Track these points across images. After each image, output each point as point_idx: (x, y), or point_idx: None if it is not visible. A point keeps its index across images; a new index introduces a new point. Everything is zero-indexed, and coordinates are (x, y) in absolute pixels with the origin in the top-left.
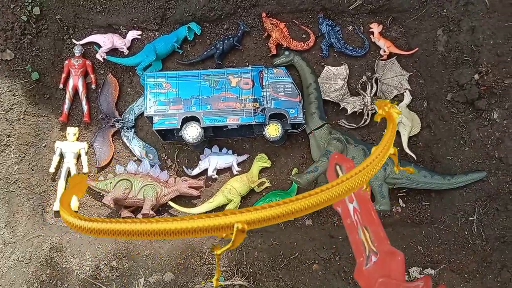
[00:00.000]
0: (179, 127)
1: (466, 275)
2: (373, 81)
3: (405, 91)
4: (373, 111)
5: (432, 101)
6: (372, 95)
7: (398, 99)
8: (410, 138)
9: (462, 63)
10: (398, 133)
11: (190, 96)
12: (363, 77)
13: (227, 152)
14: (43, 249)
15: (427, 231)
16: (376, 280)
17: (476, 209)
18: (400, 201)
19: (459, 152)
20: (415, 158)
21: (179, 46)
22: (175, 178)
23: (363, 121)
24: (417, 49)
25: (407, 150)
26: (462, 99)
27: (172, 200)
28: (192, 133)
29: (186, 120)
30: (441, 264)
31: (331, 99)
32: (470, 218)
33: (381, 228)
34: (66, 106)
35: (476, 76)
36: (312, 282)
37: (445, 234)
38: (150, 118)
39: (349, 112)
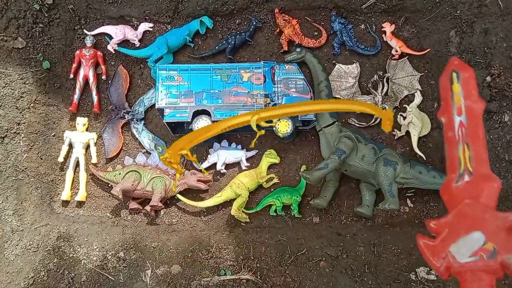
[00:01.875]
0: (189, 120)
1: None
2: (384, 80)
3: (415, 92)
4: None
5: None
6: (383, 94)
7: (408, 99)
8: (420, 138)
9: (474, 65)
10: (408, 133)
11: (201, 89)
12: (374, 76)
13: (236, 147)
14: (50, 238)
15: None
16: (463, 199)
17: None
18: (408, 201)
19: None
20: (425, 159)
21: (190, 40)
22: (184, 171)
23: (373, 120)
24: (429, 49)
25: (417, 150)
26: None
27: (180, 193)
28: (202, 126)
29: (197, 114)
30: None
31: (341, 97)
32: None
33: (485, 150)
34: (76, 96)
35: (488, 78)
36: (319, 279)
37: None
38: (161, 110)
39: None
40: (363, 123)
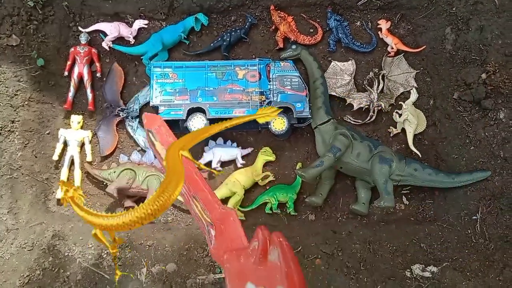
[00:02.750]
0: (184, 118)
1: (468, 274)
2: (380, 77)
3: (411, 89)
4: (379, 108)
5: (439, 99)
6: (378, 91)
7: (404, 96)
8: (415, 135)
9: (469, 62)
10: (403, 130)
11: (196, 87)
12: (370, 73)
13: (231, 144)
14: (45, 237)
15: (430, 229)
16: (222, 257)
17: (480, 208)
18: (404, 198)
19: (464, 151)
20: (420, 156)
21: (185, 37)
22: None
23: (369, 117)
24: (424, 46)
25: (412, 148)
26: (469, 98)
27: None
28: (197, 124)
29: (192, 111)
30: (443, 262)
31: (337, 94)
32: (474, 217)
33: (209, 191)
34: (70, 94)
35: (484, 76)
36: (315, 276)
37: (448, 232)
38: (156, 108)
39: (355, 108)
40: (359, 121)
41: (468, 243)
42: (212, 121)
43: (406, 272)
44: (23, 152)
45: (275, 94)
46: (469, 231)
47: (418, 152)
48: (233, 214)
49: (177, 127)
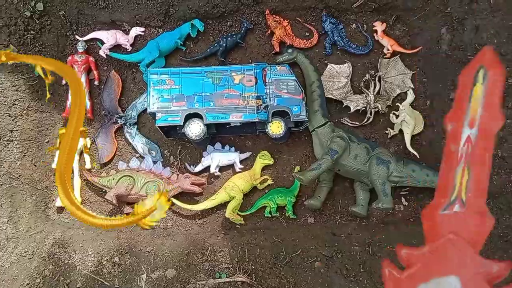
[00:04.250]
0: (182, 124)
1: None
2: (376, 79)
3: (408, 90)
4: (376, 110)
5: (436, 100)
6: (375, 93)
7: (401, 97)
8: (413, 136)
9: (466, 62)
10: (401, 131)
11: (193, 93)
12: (366, 75)
13: (229, 149)
14: (45, 245)
15: None
16: (446, 232)
17: None
18: (403, 199)
19: None
20: (418, 157)
21: (182, 43)
22: (178, 175)
23: (366, 119)
24: (420, 47)
25: (410, 149)
26: None
27: (174, 196)
28: (195, 130)
29: (189, 117)
30: None
31: (334, 97)
32: None
33: (487, 180)
34: (69, 102)
35: None
36: (314, 279)
37: None
38: (153, 114)
39: (352, 110)
40: (356, 123)
41: None
42: (209, 126)
43: None
44: (22, 161)
45: (271, 98)
46: None
47: (416, 153)
48: (492, 222)
49: (175, 133)
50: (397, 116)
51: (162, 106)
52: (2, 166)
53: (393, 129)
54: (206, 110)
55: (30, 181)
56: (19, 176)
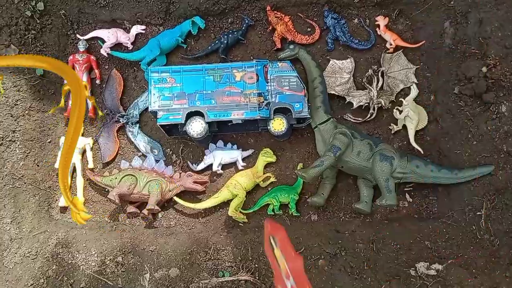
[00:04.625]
0: (183, 122)
1: (474, 270)
2: (379, 74)
3: (411, 85)
4: (379, 105)
5: (439, 95)
6: (378, 88)
7: (404, 92)
8: (417, 132)
9: (469, 56)
10: (404, 127)
11: (194, 90)
12: (369, 70)
13: (232, 147)
14: (49, 245)
15: (434, 226)
16: None
17: (484, 203)
18: (407, 195)
19: (467, 146)
20: (422, 152)
21: (183, 41)
22: (180, 173)
23: (369, 115)
24: (423, 42)
25: (414, 144)
26: (470, 92)
27: (177, 195)
28: (196, 128)
29: (190, 115)
30: (448, 259)
31: (336, 93)
32: (478, 213)
33: None
34: (70, 102)
35: (484, 69)
36: (318, 277)
37: (452, 229)
38: (154, 113)
39: (355, 106)
40: (359, 119)
41: (473, 239)
42: (211, 124)
43: (410, 270)
44: (25, 162)
45: (273, 95)
46: (473, 227)
47: (420, 149)
48: None
49: (177, 131)
50: (400, 112)
51: (163, 104)
52: (5, 167)
53: (396, 124)
54: (207, 108)
55: (33, 181)
56: (22, 176)
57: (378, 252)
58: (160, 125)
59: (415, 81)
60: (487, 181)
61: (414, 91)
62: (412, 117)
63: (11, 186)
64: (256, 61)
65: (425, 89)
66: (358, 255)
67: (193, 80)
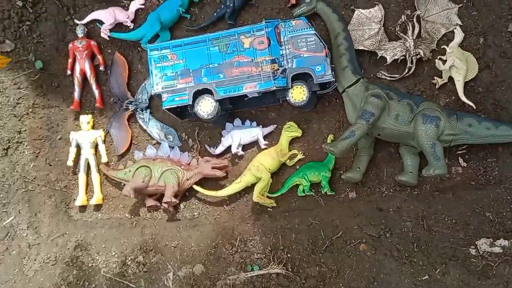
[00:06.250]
0: (191, 103)
1: None
2: (415, 20)
3: (455, 28)
4: (418, 56)
5: (490, 36)
6: (414, 37)
7: (447, 38)
8: (466, 83)
9: None
10: (451, 79)
11: (199, 66)
12: (402, 16)
13: (251, 124)
14: (68, 249)
15: (496, 194)
16: None
17: None
18: (461, 159)
19: None
20: (475, 107)
21: (184, 11)
22: (198, 159)
23: (407, 70)
24: None
25: (464, 99)
26: None
27: (198, 183)
28: (206, 107)
29: (198, 94)
30: None
31: (366, 48)
32: None
33: None
34: (76, 94)
35: None
36: (360, 264)
37: None
38: (159, 96)
39: (389, 61)
40: (396, 75)
41: None
42: (223, 101)
43: (470, 249)
44: (36, 162)
45: (289, 60)
46: None
47: (471, 104)
48: None
49: (187, 114)
50: (444, 61)
51: (167, 85)
52: (15, 170)
53: (441, 77)
54: (215, 84)
55: (46, 182)
56: (35, 178)
57: (430, 230)
58: (167, 108)
59: (459, 22)
60: None
61: (459, 35)
62: (459, 67)
63: (24, 190)
64: (265, 23)
65: (472, 31)
66: (406, 235)
67: (196, 53)
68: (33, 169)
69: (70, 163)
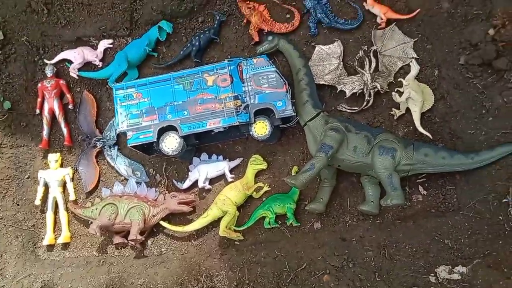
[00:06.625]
0: (156, 140)
1: (505, 270)
2: (371, 55)
3: (411, 61)
4: (376, 90)
5: (444, 68)
6: (372, 71)
7: (404, 71)
8: (423, 114)
9: (472, 19)
10: (408, 110)
11: (164, 103)
12: (360, 52)
13: (217, 158)
14: None
15: (455, 221)
16: None
17: (510, 188)
18: (421, 188)
19: (482, 124)
20: (431, 137)
21: (151, 50)
22: (165, 195)
23: (365, 103)
24: (418, 10)
25: (421, 129)
26: (478, 61)
27: (165, 218)
28: (171, 144)
29: (163, 131)
30: (474, 259)
31: (326, 83)
32: (504, 200)
33: None
34: (45, 132)
35: (491, 31)
36: None
37: (476, 222)
38: (125, 134)
39: (348, 94)
40: (355, 108)
41: (501, 232)
42: (188, 137)
43: (430, 277)
44: (3, 203)
45: (251, 96)
46: (500, 217)
47: (428, 134)
48: None
49: (153, 150)
50: (401, 94)
51: (132, 123)
52: None
53: (398, 108)
54: (180, 121)
55: (14, 222)
56: (1, 218)
57: (391, 259)
58: (132, 146)
59: (415, 56)
60: (510, 162)
61: (414, 68)
62: (415, 98)
63: None
64: (228, 61)
65: (427, 63)
66: (368, 265)
67: (161, 92)
68: (0, 209)
69: (38, 202)
